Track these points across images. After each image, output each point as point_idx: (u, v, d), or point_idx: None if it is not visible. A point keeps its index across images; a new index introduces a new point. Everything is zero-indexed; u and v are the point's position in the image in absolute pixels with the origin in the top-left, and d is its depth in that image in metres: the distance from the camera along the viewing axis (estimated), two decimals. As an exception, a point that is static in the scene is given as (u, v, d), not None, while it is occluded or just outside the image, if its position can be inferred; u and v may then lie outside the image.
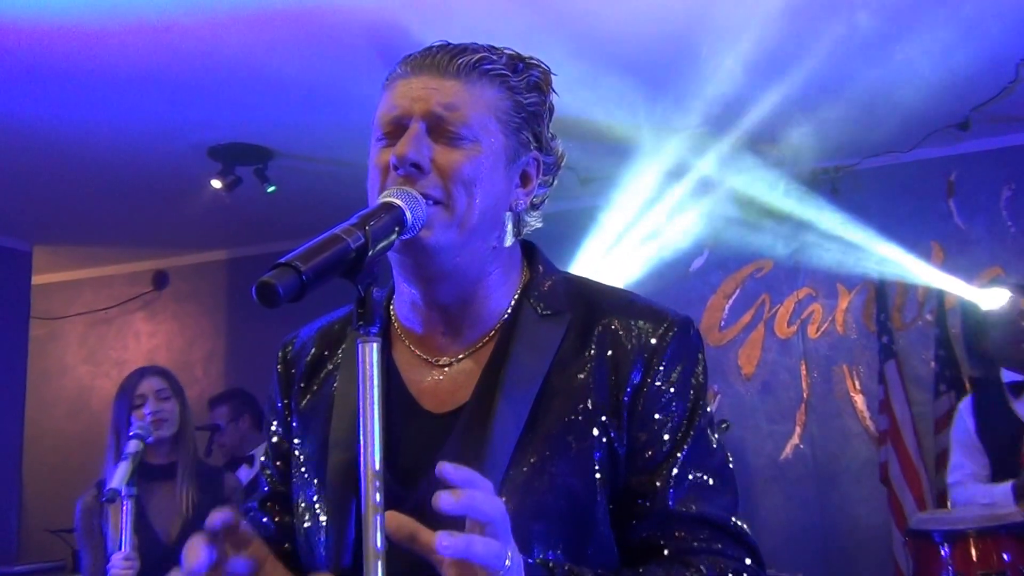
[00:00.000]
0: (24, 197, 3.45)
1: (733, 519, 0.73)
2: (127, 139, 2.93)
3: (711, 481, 0.74)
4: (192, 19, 2.20)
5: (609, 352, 0.74)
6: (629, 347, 0.74)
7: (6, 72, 2.43)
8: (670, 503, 0.72)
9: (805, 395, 3.41)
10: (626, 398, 0.73)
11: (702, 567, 0.70)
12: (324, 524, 0.74)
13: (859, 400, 3.35)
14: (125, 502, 1.73)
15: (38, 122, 2.78)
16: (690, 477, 0.73)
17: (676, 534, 0.72)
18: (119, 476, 1.71)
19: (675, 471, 0.73)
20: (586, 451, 0.71)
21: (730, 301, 3.53)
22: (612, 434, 0.72)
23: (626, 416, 0.73)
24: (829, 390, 3.38)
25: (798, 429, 3.39)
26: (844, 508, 3.28)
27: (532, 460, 0.70)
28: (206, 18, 2.20)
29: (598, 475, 0.71)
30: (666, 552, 0.72)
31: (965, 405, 2.48)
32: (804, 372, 3.42)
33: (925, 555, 2.29)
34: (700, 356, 0.77)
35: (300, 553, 0.78)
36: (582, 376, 0.73)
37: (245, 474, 2.97)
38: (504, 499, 0.68)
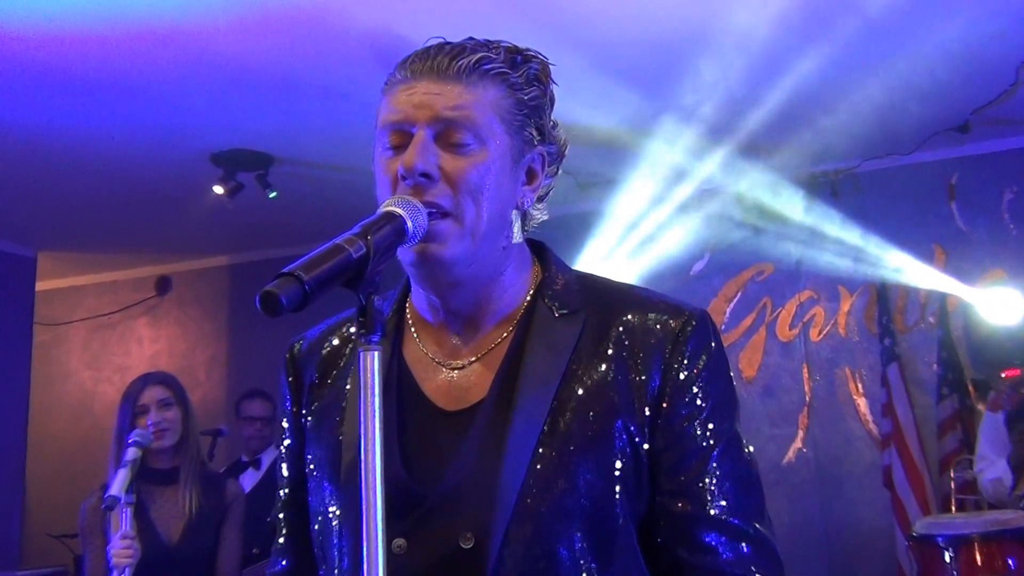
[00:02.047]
0: (29, 203, 3.47)
1: (757, 524, 0.73)
2: (130, 145, 2.94)
3: (741, 482, 0.73)
4: (195, 26, 2.21)
5: (628, 348, 0.74)
6: (649, 343, 0.73)
7: (10, 79, 2.45)
8: (699, 507, 0.71)
9: (807, 398, 3.40)
10: (649, 396, 0.72)
11: None
12: (337, 526, 0.73)
13: (862, 403, 3.34)
14: (124, 509, 1.75)
15: (42, 129, 2.79)
16: (718, 479, 0.72)
17: (702, 544, 0.71)
18: (118, 483, 1.73)
19: (705, 472, 0.72)
20: (608, 449, 0.70)
21: (731, 304, 3.53)
22: (633, 429, 0.71)
23: (650, 414, 0.72)
24: (831, 393, 3.38)
25: (800, 433, 3.38)
26: (847, 512, 3.26)
27: (553, 458, 0.69)
28: (209, 25, 2.21)
29: (619, 473, 0.70)
30: (689, 567, 0.71)
31: None
32: (806, 375, 3.42)
33: (929, 560, 2.28)
34: (721, 348, 0.76)
35: (316, 557, 0.77)
36: (601, 374, 0.73)
37: (251, 477, 2.97)
38: (527, 499, 0.68)
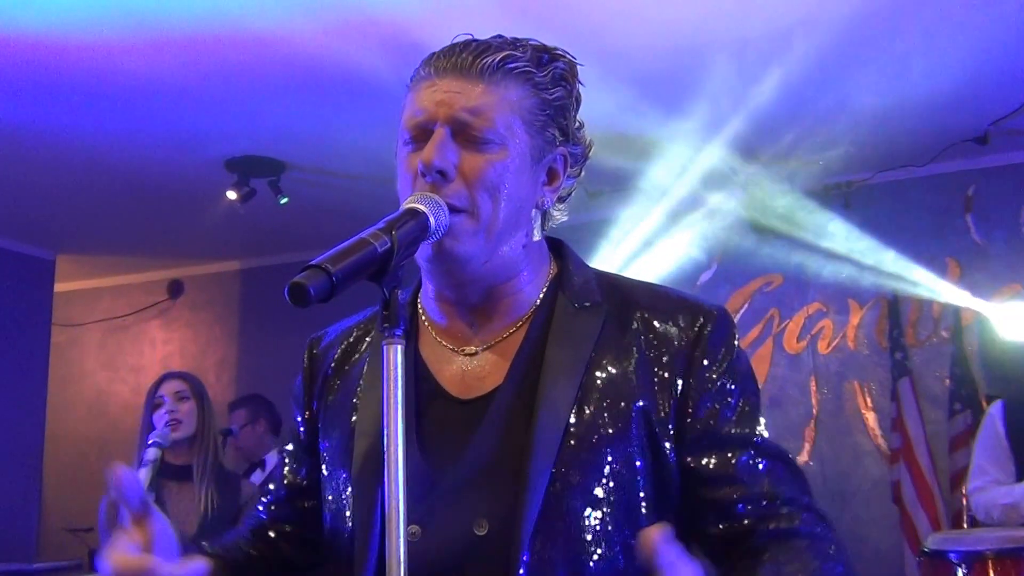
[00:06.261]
0: (49, 207, 3.53)
1: (808, 498, 0.74)
2: (148, 151, 3.00)
3: (782, 463, 0.74)
4: (212, 35, 2.25)
5: (651, 346, 0.74)
6: (671, 343, 0.74)
7: (31, 85, 2.50)
8: (751, 486, 0.72)
9: (815, 411, 3.36)
10: (675, 397, 0.73)
11: (805, 551, 0.69)
12: (350, 513, 0.74)
13: (871, 417, 3.30)
14: None
15: (63, 135, 2.85)
16: (764, 460, 0.73)
17: (764, 516, 0.71)
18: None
19: (747, 456, 0.72)
20: (629, 441, 0.71)
21: (738, 316, 3.49)
22: (656, 429, 0.72)
23: (677, 414, 0.72)
24: (839, 407, 3.34)
25: (807, 446, 3.34)
26: (854, 528, 3.21)
27: (581, 448, 0.70)
28: (225, 34, 2.25)
29: (639, 464, 0.71)
30: (758, 535, 0.71)
31: (996, 409, 2.40)
32: (814, 388, 3.38)
33: (942, 576, 2.24)
34: (740, 346, 0.78)
35: (325, 542, 0.78)
36: (623, 367, 0.73)
37: (258, 479, 3.01)
38: (558, 486, 0.68)
